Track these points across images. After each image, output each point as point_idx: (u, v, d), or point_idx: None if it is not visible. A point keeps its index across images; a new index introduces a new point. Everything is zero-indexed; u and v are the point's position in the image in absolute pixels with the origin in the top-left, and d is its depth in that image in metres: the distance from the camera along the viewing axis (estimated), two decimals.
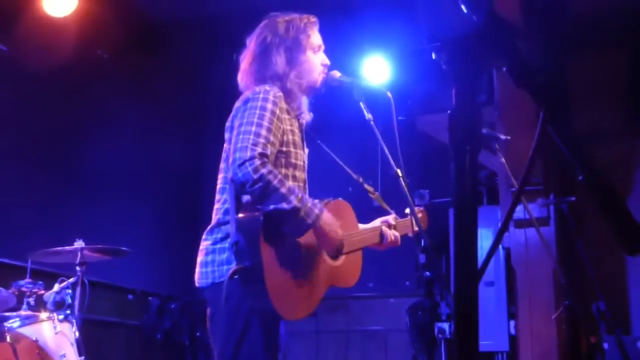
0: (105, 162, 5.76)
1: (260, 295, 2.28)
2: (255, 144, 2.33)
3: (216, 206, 2.55)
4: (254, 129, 2.37)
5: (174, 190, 6.85)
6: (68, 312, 3.73)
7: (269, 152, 2.37)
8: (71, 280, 3.80)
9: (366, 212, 2.88)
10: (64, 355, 3.51)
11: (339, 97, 2.78)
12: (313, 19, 2.73)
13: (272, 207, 2.31)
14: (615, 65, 5.72)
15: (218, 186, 2.57)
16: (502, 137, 3.57)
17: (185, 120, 7.08)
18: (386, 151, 2.52)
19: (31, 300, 3.73)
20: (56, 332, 3.55)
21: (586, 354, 4.64)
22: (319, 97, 2.76)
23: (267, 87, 2.52)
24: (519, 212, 4.65)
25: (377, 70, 6.30)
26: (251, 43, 2.70)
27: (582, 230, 4.53)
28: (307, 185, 2.66)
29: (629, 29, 5.43)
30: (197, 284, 2.52)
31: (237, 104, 2.54)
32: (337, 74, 2.73)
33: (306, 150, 2.70)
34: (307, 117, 2.69)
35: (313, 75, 2.68)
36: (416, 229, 2.72)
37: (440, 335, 5.90)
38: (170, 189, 6.80)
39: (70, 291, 3.78)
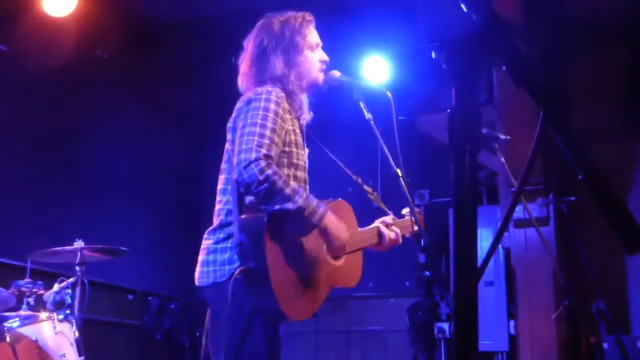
0: (105, 162, 5.76)
1: (266, 295, 2.28)
2: (260, 145, 2.33)
3: (217, 207, 2.55)
4: (258, 130, 2.37)
5: (174, 191, 6.84)
6: (68, 312, 3.73)
7: (273, 153, 2.37)
8: (71, 280, 3.79)
9: (366, 213, 2.89)
10: (63, 355, 3.51)
11: (339, 97, 2.78)
12: (309, 17, 2.72)
13: (277, 207, 2.32)
14: (614, 65, 5.72)
15: (219, 187, 2.57)
16: (502, 136, 3.58)
17: (185, 120, 7.07)
18: (386, 151, 2.52)
19: (31, 300, 3.72)
20: (56, 332, 3.55)
21: (586, 354, 4.64)
22: (319, 97, 2.76)
23: (269, 88, 2.52)
24: (519, 212, 4.65)
25: (377, 70, 6.30)
26: (248, 46, 2.70)
27: (582, 230, 4.53)
28: (308, 186, 2.67)
29: (628, 29, 5.43)
30: (197, 283, 2.51)
31: (239, 104, 2.54)
32: (336, 73, 2.73)
33: (306, 150, 2.71)
34: (307, 116, 2.70)
35: (313, 73, 2.68)
36: (415, 228, 2.73)
37: (440, 335, 5.90)
38: (170, 189, 6.79)
39: (70, 291, 3.77)
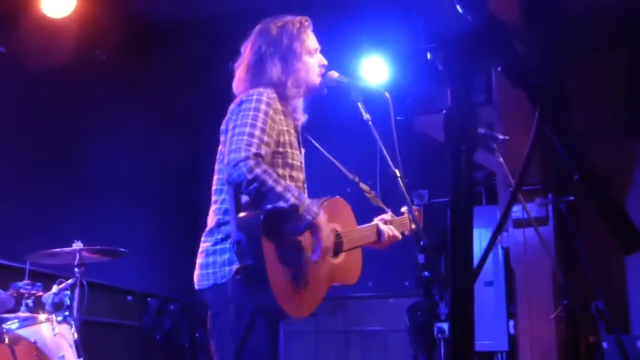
0: (104, 163, 5.75)
1: (263, 292, 2.29)
2: (249, 145, 2.34)
3: (213, 207, 2.55)
4: (247, 129, 2.38)
5: (172, 191, 6.84)
6: (67, 313, 3.72)
7: (263, 152, 2.37)
8: (70, 281, 3.79)
9: (366, 212, 2.89)
10: (62, 357, 3.50)
11: (337, 98, 2.78)
12: (306, 21, 2.71)
13: (269, 206, 2.32)
14: (614, 65, 5.72)
15: (214, 187, 2.58)
16: (501, 136, 3.58)
17: (184, 121, 7.07)
18: (384, 151, 2.52)
19: (30, 301, 3.72)
20: (55, 334, 3.54)
21: (585, 354, 4.64)
22: (317, 98, 2.76)
23: (260, 89, 2.52)
24: (518, 211, 4.65)
25: (375, 70, 6.30)
26: (246, 51, 2.70)
27: (581, 230, 4.53)
28: (306, 185, 2.67)
29: (628, 29, 5.43)
30: (196, 286, 2.51)
31: (232, 106, 2.55)
32: (334, 74, 2.73)
33: (303, 151, 2.71)
34: (302, 118, 2.70)
35: (311, 79, 2.67)
36: (414, 226, 2.73)
37: (439, 335, 5.90)
38: (169, 189, 6.79)
39: (68, 292, 3.77)
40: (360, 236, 2.76)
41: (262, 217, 2.33)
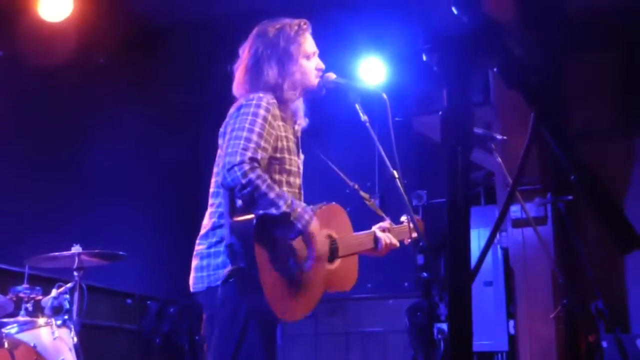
0: (103, 167, 5.75)
1: (255, 294, 2.29)
2: (245, 149, 2.34)
3: (210, 210, 2.55)
4: (244, 134, 2.38)
5: (172, 194, 6.84)
6: (66, 317, 3.72)
7: (259, 157, 2.37)
8: (69, 285, 3.79)
9: (364, 218, 2.88)
10: None
11: (335, 99, 2.78)
12: (305, 24, 2.71)
13: (261, 212, 2.32)
14: (613, 65, 5.72)
15: (211, 190, 2.58)
16: (499, 136, 3.58)
17: (183, 124, 7.07)
18: (382, 153, 2.52)
19: (29, 305, 3.71)
20: (54, 338, 3.54)
21: (585, 353, 4.64)
22: (315, 99, 2.75)
23: (260, 94, 2.52)
24: (517, 211, 4.66)
25: (373, 71, 6.31)
26: (244, 54, 2.70)
27: (580, 229, 4.53)
28: (302, 191, 2.66)
29: (628, 28, 5.44)
30: (192, 289, 2.52)
31: (231, 110, 2.55)
32: (332, 76, 2.73)
33: (301, 157, 2.71)
34: (302, 122, 2.70)
35: (307, 82, 2.66)
36: (414, 235, 2.73)
37: (439, 336, 5.91)
38: (169, 192, 6.79)
39: (68, 296, 3.76)
40: (357, 242, 2.75)
41: (254, 222, 2.33)
